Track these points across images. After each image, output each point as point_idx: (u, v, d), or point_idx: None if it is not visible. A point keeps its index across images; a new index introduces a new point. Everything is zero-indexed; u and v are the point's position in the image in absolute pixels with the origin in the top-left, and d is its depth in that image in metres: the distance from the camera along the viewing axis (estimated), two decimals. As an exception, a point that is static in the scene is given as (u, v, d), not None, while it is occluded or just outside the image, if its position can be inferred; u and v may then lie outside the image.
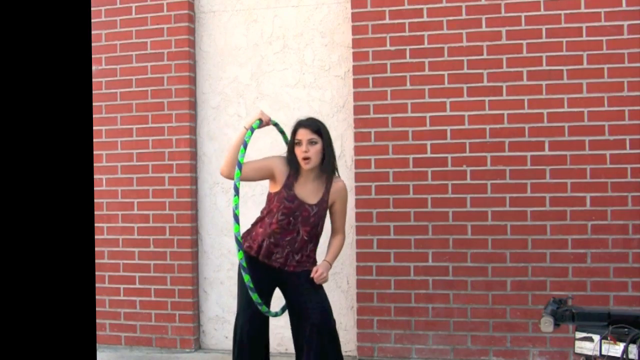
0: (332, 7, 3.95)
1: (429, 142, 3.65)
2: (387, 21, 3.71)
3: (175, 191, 4.03)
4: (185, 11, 4.03)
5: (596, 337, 2.07)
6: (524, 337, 3.53)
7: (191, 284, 4.00)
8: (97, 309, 3.85)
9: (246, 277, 2.65)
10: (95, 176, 4.04)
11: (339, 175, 2.94)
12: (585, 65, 3.49)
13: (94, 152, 3.79)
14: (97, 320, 3.96)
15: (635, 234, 3.43)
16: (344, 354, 2.90)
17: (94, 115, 4.01)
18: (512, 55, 3.57)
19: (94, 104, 3.95)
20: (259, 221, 2.90)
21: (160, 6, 4.06)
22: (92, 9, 4.06)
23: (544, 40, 3.53)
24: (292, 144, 2.84)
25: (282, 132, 3.05)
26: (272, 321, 3.13)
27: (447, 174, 3.63)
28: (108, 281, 4.10)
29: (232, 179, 2.76)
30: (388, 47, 3.71)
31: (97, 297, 3.93)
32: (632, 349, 1.99)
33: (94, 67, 4.10)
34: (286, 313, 2.94)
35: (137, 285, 4.07)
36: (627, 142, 3.44)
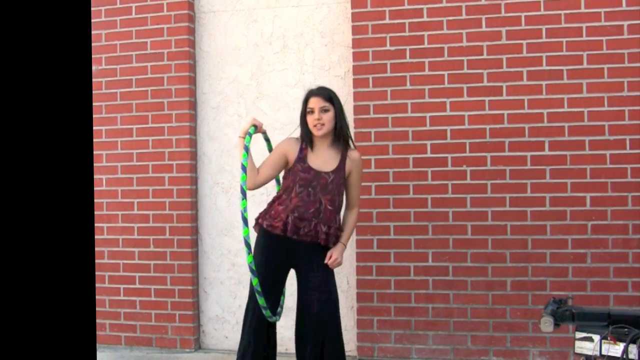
0: (332, 7, 3.95)
1: (429, 142, 3.65)
2: (387, 21, 3.71)
3: (175, 191, 4.03)
4: (185, 11, 4.03)
5: (596, 337, 2.06)
6: (524, 337, 3.53)
7: (191, 284, 4.00)
8: (97, 309, 3.85)
9: (255, 281, 2.65)
10: (95, 176, 4.04)
11: (354, 147, 2.95)
12: (585, 65, 3.49)
13: (94, 152, 3.79)
14: (97, 320, 3.96)
15: (635, 234, 3.43)
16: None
17: (94, 115, 4.01)
18: (512, 55, 3.57)
19: (94, 104, 3.95)
20: (276, 199, 2.89)
21: (160, 6, 4.06)
22: (92, 9, 4.06)
23: (544, 40, 3.53)
24: (303, 113, 2.85)
25: (267, 140, 3.07)
26: (272, 321, 3.13)
27: (447, 174, 3.63)
28: (108, 281, 4.10)
29: (258, 187, 2.85)
30: (388, 47, 3.71)
31: (97, 297, 3.93)
32: (632, 349, 1.99)
33: (94, 67, 4.10)
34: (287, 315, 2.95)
35: (137, 285, 4.07)
36: (627, 142, 3.44)
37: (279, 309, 2.91)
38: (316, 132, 2.82)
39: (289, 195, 2.80)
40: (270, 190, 3.75)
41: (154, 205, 4.05)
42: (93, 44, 4.01)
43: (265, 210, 2.91)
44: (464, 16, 3.63)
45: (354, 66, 3.76)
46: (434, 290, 3.63)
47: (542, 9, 3.54)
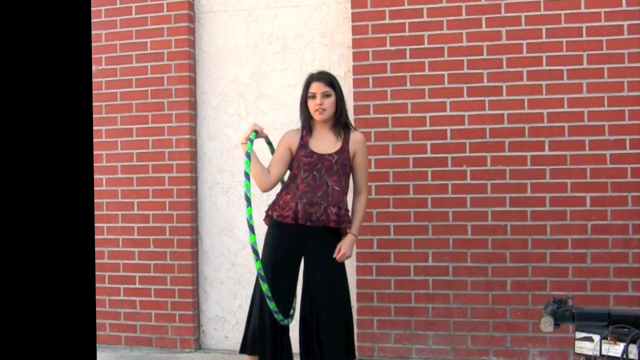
0: (332, 7, 3.95)
1: (429, 142, 3.65)
2: (387, 21, 3.71)
3: (175, 191, 4.03)
4: (185, 11, 4.03)
5: (596, 337, 2.06)
6: (524, 337, 3.53)
7: (191, 284, 4.00)
8: (97, 309, 3.85)
9: (264, 287, 2.64)
10: (95, 176, 4.04)
11: (356, 128, 2.97)
12: (585, 65, 3.49)
13: (94, 152, 3.79)
14: (97, 320, 3.96)
15: (635, 234, 3.42)
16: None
17: (94, 115, 4.01)
18: (512, 55, 3.57)
19: (94, 104, 3.95)
20: (283, 189, 2.90)
21: (160, 6, 4.06)
22: (92, 9, 4.06)
23: (544, 40, 3.53)
24: (304, 98, 2.85)
25: (269, 143, 3.07)
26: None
27: (447, 174, 3.63)
28: (108, 281, 4.10)
29: (273, 187, 2.87)
30: (388, 47, 3.71)
31: (97, 297, 3.93)
32: (632, 349, 1.99)
33: (94, 67, 4.10)
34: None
35: (137, 285, 4.07)
36: (627, 142, 3.44)
37: (291, 311, 2.89)
38: (317, 117, 2.82)
39: (295, 183, 2.81)
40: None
41: (154, 205, 4.05)
42: (93, 44, 4.01)
43: (273, 201, 2.91)
44: (464, 16, 3.63)
45: (354, 66, 3.76)
46: (434, 290, 3.63)
47: (542, 9, 3.54)
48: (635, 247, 3.42)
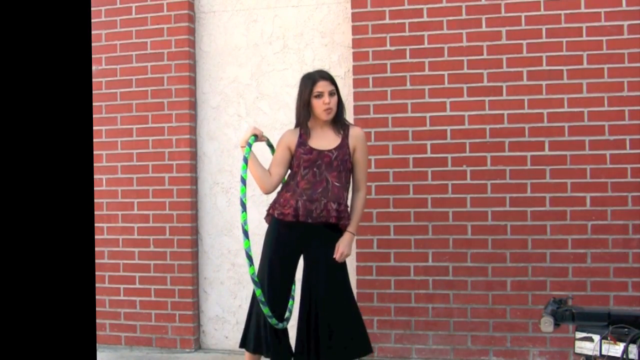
0: (332, 7, 3.95)
1: (429, 142, 3.65)
2: (387, 21, 3.71)
3: (175, 191, 4.03)
4: (185, 11, 4.03)
5: (596, 337, 2.06)
6: (524, 337, 3.53)
7: (191, 284, 4.00)
8: (97, 309, 3.85)
9: (258, 292, 2.64)
10: (95, 176, 4.04)
11: (354, 123, 2.98)
12: (585, 65, 3.49)
13: (94, 152, 3.79)
14: (97, 320, 3.96)
15: (635, 234, 3.42)
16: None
17: (94, 115, 4.01)
18: (512, 55, 3.57)
19: (94, 104, 3.95)
20: (284, 187, 2.90)
21: (160, 6, 4.06)
22: (92, 9, 4.06)
23: (544, 40, 3.53)
24: (308, 97, 2.82)
25: (270, 145, 3.07)
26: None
27: (447, 174, 3.63)
28: (108, 281, 4.10)
29: (275, 188, 2.88)
30: (388, 47, 3.71)
31: (97, 297, 3.93)
32: (632, 349, 1.99)
33: (94, 67, 4.10)
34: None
35: (137, 285, 4.07)
36: (627, 142, 3.44)
37: (287, 314, 2.89)
38: (325, 117, 2.82)
39: (295, 180, 2.82)
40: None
41: (154, 205, 4.05)
42: (93, 44, 4.01)
43: (274, 200, 2.92)
44: (464, 16, 3.63)
45: (354, 66, 3.76)
46: (434, 290, 3.63)
47: (542, 9, 3.54)
48: (635, 247, 3.42)
